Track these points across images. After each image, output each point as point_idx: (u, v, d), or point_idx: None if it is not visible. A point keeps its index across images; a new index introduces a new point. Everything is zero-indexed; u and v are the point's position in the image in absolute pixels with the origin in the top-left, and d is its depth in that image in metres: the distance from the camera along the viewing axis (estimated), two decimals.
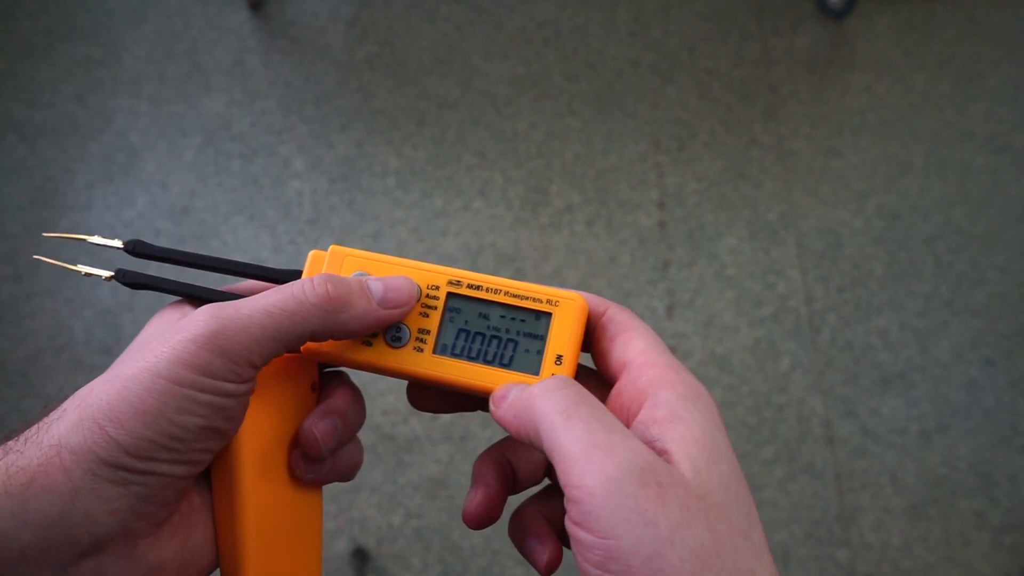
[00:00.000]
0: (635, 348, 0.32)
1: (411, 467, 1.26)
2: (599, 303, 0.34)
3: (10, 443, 0.27)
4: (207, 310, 0.29)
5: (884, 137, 1.52)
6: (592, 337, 0.34)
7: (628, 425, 0.30)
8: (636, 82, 1.56)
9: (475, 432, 1.28)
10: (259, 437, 0.32)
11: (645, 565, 0.24)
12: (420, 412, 1.28)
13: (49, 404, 0.29)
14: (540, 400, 0.28)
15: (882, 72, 1.58)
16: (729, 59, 1.58)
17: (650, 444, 0.28)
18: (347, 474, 0.36)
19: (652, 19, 1.62)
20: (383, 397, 1.28)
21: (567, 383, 0.28)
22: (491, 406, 0.31)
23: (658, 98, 1.55)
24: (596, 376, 0.35)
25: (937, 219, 1.46)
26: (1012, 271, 1.42)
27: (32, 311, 1.34)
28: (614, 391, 0.32)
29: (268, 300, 0.29)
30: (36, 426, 0.28)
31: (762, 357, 1.35)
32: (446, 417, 1.28)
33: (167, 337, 0.28)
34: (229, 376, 0.28)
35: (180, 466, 0.28)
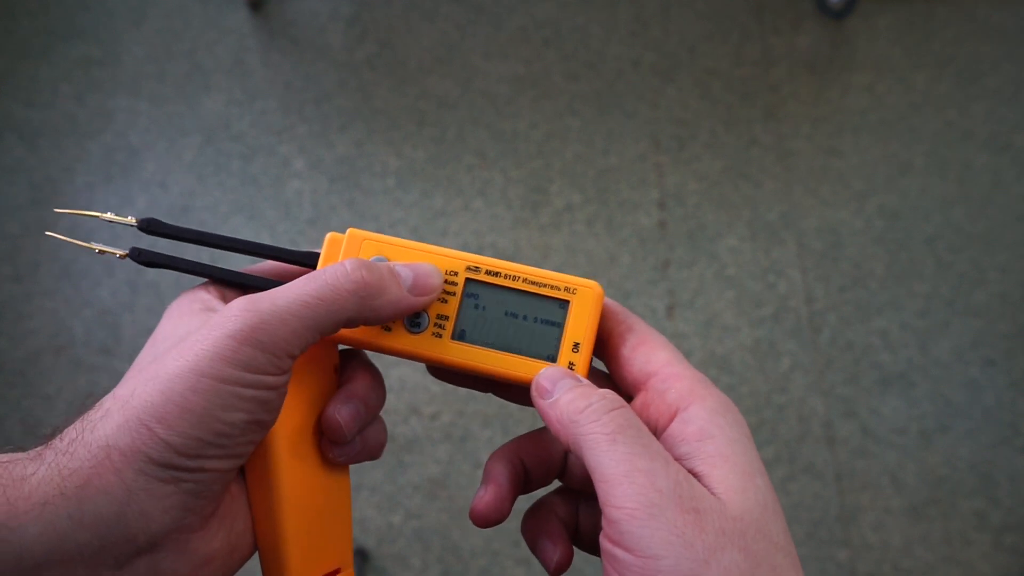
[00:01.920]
0: (659, 359, 0.32)
1: (411, 467, 1.26)
2: (618, 309, 0.35)
3: (55, 443, 0.27)
4: (242, 304, 0.28)
5: (884, 137, 1.52)
6: (609, 344, 0.34)
7: (657, 437, 0.30)
8: (636, 82, 1.56)
9: (475, 432, 1.28)
10: (288, 422, 0.32)
11: None
12: (420, 412, 1.28)
13: (86, 401, 0.29)
14: (587, 419, 0.28)
15: (882, 72, 1.58)
16: (729, 59, 1.58)
17: (681, 461, 0.29)
18: (375, 452, 0.36)
19: (652, 19, 1.62)
20: None
21: (614, 404, 0.28)
22: (533, 393, 0.31)
23: (658, 98, 1.55)
24: (608, 380, 0.35)
25: (938, 219, 1.46)
26: (1012, 271, 1.42)
27: (32, 311, 1.34)
28: (639, 402, 0.32)
29: (303, 290, 0.29)
30: (78, 425, 0.28)
31: (762, 357, 1.35)
32: (446, 417, 1.28)
33: (204, 333, 0.28)
34: (271, 369, 0.28)
35: (228, 460, 0.28)
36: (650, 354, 0.32)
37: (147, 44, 1.56)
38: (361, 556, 1.20)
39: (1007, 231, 1.45)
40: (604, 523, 0.26)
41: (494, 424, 1.29)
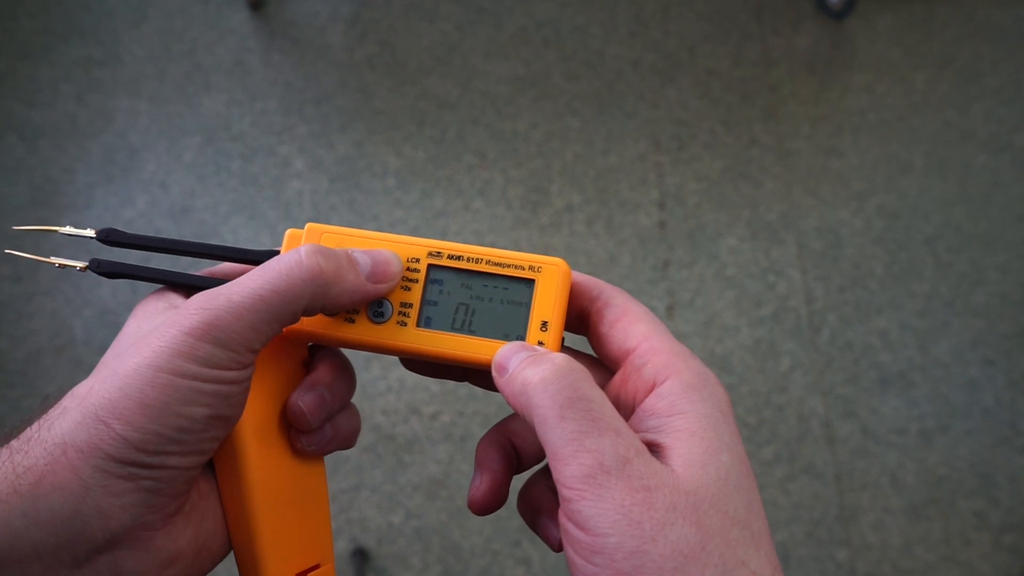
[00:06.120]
0: (637, 333, 0.32)
1: (411, 467, 1.26)
2: (592, 285, 0.34)
3: (12, 443, 0.27)
4: (198, 300, 0.28)
5: (884, 137, 1.52)
6: (588, 322, 0.34)
7: (632, 413, 0.30)
8: (636, 82, 1.56)
9: (475, 432, 1.28)
10: (257, 417, 0.32)
11: (627, 559, 0.25)
12: (420, 412, 1.28)
13: (46, 401, 0.29)
14: (536, 392, 0.27)
15: (882, 72, 1.58)
16: (729, 59, 1.58)
17: (648, 433, 0.28)
18: (347, 442, 0.35)
19: (652, 19, 1.62)
20: (383, 397, 1.28)
21: (566, 372, 0.28)
22: (493, 373, 0.31)
23: (658, 98, 1.55)
24: (595, 360, 0.34)
25: (937, 219, 1.46)
26: (1012, 271, 1.42)
27: (32, 311, 1.34)
28: (618, 379, 0.32)
29: (257, 282, 0.29)
30: (36, 424, 0.28)
31: (762, 357, 1.35)
32: (446, 417, 1.28)
33: (162, 331, 0.28)
34: (231, 365, 0.28)
35: (189, 457, 0.28)
36: (628, 329, 0.32)
37: (147, 44, 1.56)
38: (361, 556, 1.20)
39: (1007, 231, 1.45)
40: (560, 498, 0.26)
41: (493, 423, 1.29)
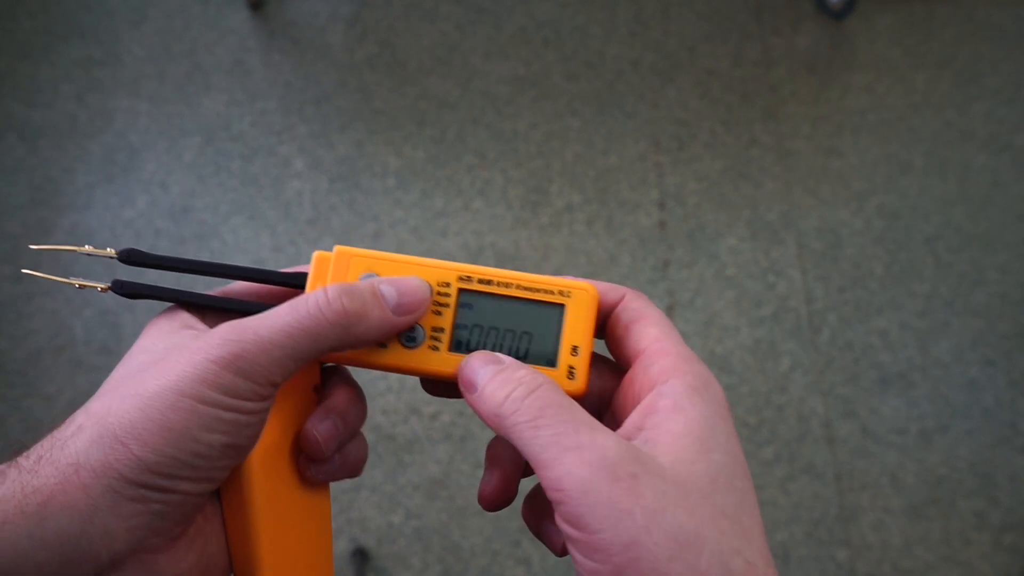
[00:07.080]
0: (648, 336, 0.32)
1: (411, 467, 1.26)
2: (615, 291, 0.34)
3: (20, 460, 0.27)
4: (224, 332, 0.28)
5: (884, 137, 1.53)
6: (607, 324, 0.34)
7: (635, 409, 0.31)
8: (636, 82, 1.56)
9: (475, 432, 1.28)
10: (266, 442, 0.32)
11: (623, 552, 0.25)
12: (420, 412, 1.28)
13: (57, 422, 0.29)
14: (508, 411, 0.28)
15: (882, 72, 1.58)
16: (729, 59, 1.58)
17: (646, 430, 0.29)
18: (354, 470, 0.36)
19: (652, 19, 1.62)
20: (383, 397, 1.28)
21: (532, 386, 0.28)
22: (461, 389, 0.31)
23: (658, 98, 1.55)
24: (612, 364, 0.35)
25: (937, 219, 1.46)
26: (1012, 271, 1.42)
27: (32, 311, 1.34)
28: (627, 378, 0.32)
29: (285, 319, 0.29)
30: (47, 442, 0.28)
31: (762, 357, 1.35)
32: (446, 417, 1.28)
33: (187, 356, 0.28)
34: (252, 396, 0.28)
35: (201, 484, 0.28)
36: (641, 331, 0.32)
37: (147, 44, 1.56)
38: (361, 556, 1.20)
39: (1007, 231, 1.45)
40: (552, 505, 0.27)
41: None
